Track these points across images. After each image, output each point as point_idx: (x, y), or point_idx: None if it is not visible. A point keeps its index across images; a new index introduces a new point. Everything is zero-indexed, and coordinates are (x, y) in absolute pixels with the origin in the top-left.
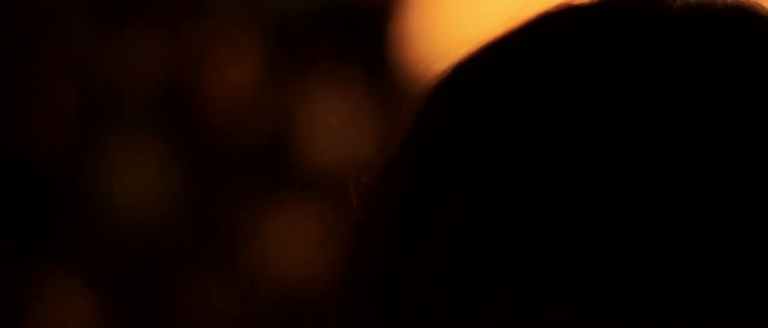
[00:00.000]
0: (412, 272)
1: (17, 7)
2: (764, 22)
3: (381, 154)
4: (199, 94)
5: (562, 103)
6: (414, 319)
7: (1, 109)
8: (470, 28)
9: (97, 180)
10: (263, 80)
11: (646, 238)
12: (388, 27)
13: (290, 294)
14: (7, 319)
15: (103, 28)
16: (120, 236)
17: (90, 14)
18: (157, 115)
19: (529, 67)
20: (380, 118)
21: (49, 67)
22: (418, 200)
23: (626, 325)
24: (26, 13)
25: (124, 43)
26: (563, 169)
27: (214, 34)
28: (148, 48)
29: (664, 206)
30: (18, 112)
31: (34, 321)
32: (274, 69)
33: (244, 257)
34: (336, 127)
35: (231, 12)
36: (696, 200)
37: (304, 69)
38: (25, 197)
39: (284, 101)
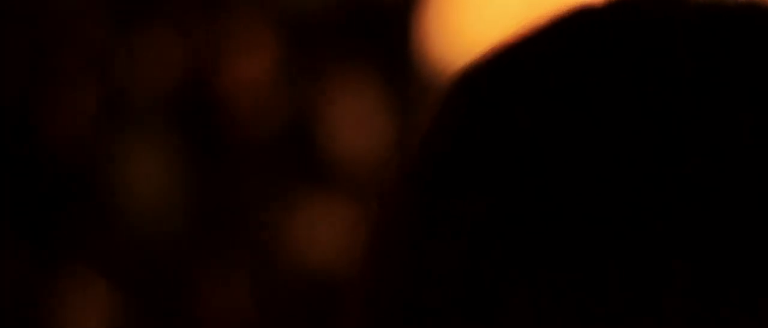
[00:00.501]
0: (433, 271)
1: (36, 5)
2: None
3: (400, 152)
4: (218, 90)
5: (581, 107)
6: (435, 318)
7: (19, 108)
8: (488, 23)
9: (115, 177)
10: (281, 77)
11: (675, 245)
12: (407, 22)
13: (310, 291)
14: (26, 317)
15: (122, 25)
16: (139, 233)
17: (108, 12)
18: (175, 112)
19: (549, 70)
20: (399, 113)
21: (67, 66)
22: (438, 199)
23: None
24: (44, 11)
25: (142, 41)
26: (586, 173)
27: (233, 31)
28: (167, 45)
29: (691, 210)
30: (37, 111)
31: (52, 319)
32: (292, 65)
33: (265, 254)
34: (354, 124)
35: (249, 8)
36: (721, 207)
37: (322, 65)
38: (44, 195)
39: (302, 98)
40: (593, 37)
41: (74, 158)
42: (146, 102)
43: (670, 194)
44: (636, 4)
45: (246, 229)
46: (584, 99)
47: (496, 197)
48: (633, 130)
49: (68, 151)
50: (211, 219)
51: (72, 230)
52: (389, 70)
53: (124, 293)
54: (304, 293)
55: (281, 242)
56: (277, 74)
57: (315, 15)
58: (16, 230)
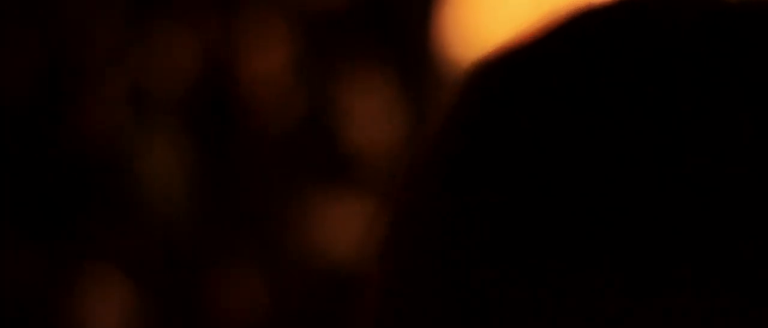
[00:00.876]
0: (448, 267)
1: (54, 4)
2: None
3: (414, 147)
4: (235, 86)
5: (590, 106)
6: (452, 315)
7: (35, 108)
8: (502, 19)
9: (133, 173)
10: (297, 72)
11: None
12: (422, 17)
13: (326, 286)
14: (44, 314)
15: (139, 22)
16: (156, 230)
17: (125, 8)
18: (192, 109)
19: (560, 68)
20: (414, 108)
21: (84, 64)
22: (452, 196)
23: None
24: (63, 10)
25: (159, 38)
26: (592, 172)
27: (249, 26)
28: (183, 41)
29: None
30: (55, 110)
31: (71, 316)
32: (308, 61)
33: (281, 250)
34: (370, 119)
35: (265, 3)
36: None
37: (338, 61)
38: (63, 192)
39: (318, 93)
40: (601, 37)
41: (93, 156)
42: (163, 99)
43: (672, 194)
44: (644, 3)
45: (263, 225)
46: (593, 98)
47: (508, 194)
48: (639, 131)
49: (87, 149)
50: (227, 215)
51: (90, 227)
52: (404, 66)
53: (141, 290)
54: (320, 288)
55: (298, 238)
56: (293, 70)
57: (331, 10)
58: (34, 227)
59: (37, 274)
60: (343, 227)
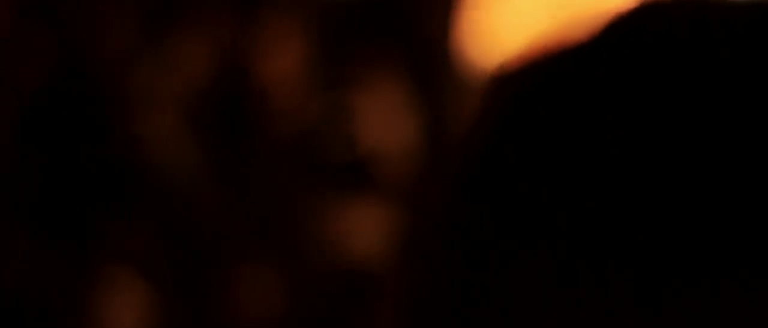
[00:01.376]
0: (475, 269)
1: (69, 5)
2: None
3: (433, 148)
4: (250, 86)
5: (617, 111)
6: (475, 317)
7: (54, 106)
8: (519, 19)
9: (149, 174)
10: (312, 72)
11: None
12: (438, 17)
13: (344, 287)
14: (63, 315)
15: (154, 22)
16: (173, 228)
17: (140, 8)
18: (208, 109)
19: (590, 74)
20: (429, 108)
21: (99, 63)
22: (481, 199)
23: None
24: (77, 11)
25: (174, 37)
26: (621, 175)
27: (264, 26)
28: (198, 41)
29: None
30: (72, 109)
31: (86, 314)
32: (323, 61)
33: (298, 251)
34: (385, 119)
35: (281, 3)
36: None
37: (353, 61)
38: (78, 191)
39: (334, 94)
40: (626, 44)
41: (110, 157)
42: (179, 101)
43: (702, 200)
44: (666, 7)
45: (279, 226)
46: (620, 103)
47: (531, 200)
48: (668, 138)
49: (104, 149)
50: (243, 217)
51: (107, 227)
52: (420, 68)
53: (158, 291)
54: (336, 289)
55: (314, 239)
56: (308, 72)
57: (346, 12)
58: (50, 227)
59: (54, 273)
60: (359, 228)
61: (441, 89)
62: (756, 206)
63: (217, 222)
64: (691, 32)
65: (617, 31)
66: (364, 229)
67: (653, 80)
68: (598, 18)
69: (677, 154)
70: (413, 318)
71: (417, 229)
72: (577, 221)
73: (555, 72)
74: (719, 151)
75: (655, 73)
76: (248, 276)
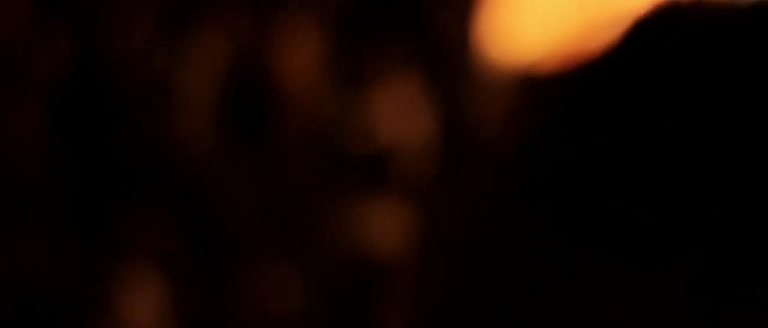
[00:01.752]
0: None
1: (85, 3)
2: None
3: (454, 142)
4: (267, 81)
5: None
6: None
7: (73, 101)
8: (531, 13)
9: (167, 167)
10: (328, 67)
11: None
12: (456, 11)
13: (362, 280)
14: (82, 308)
15: (169, 19)
16: (191, 224)
17: (155, 5)
18: (225, 104)
19: (625, 75)
20: (445, 103)
21: (112, 60)
22: (522, 196)
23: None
24: (96, 5)
25: (189, 34)
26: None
27: (279, 22)
28: (213, 37)
29: None
30: (90, 105)
31: (105, 309)
32: (338, 56)
33: (316, 245)
34: (401, 113)
35: None
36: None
37: (367, 56)
38: (97, 186)
39: (350, 88)
40: (652, 47)
41: (128, 152)
42: (196, 96)
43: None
44: (685, 9)
45: (297, 221)
46: (658, 107)
47: (580, 198)
48: (714, 139)
49: (122, 145)
50: (262, 213)
51: (125, 223)
52: (436, 61)
53: (177, 287)
54: (354, 284)
55: (331, 234)
56: (324, 67)
57: (361, 7)
58: (70, 221)
59: (74, 267)
60: (376, 222)
61: (457, 84)
62: None
63: (234, 217)
64: (712, 34)
65: (642, 33)
66: (381, 223)
67: (687, 82)
68: (620, 20)
69: (727, 157)
70: (433, 317)
71: (440, 230)
72: (616, 224)
73: (587, 78)
74: (759, 150)
75: (687, 74)
76: (265, 271)
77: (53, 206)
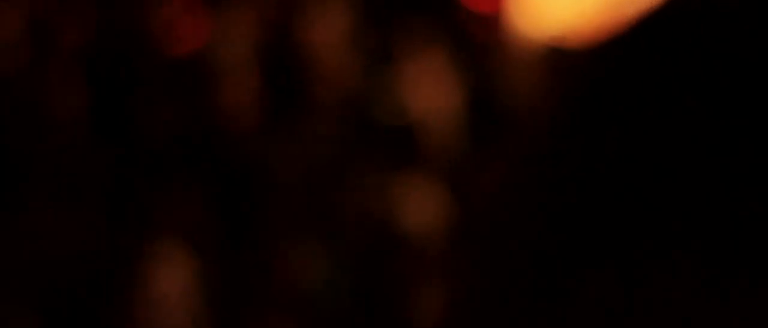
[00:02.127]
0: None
1: None
2: None
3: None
4: (298, 53)
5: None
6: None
7: (102, 79)
8: None
9: (196, 147)
10: (355, 41)
11: None
12: None
13: (389, 253)
14: (111, 284)
15: None
16: (219, 201)
17: None
18: (258, 77)
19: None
20: (469, 76)
21: (141, 32)
22: (555, 177)
23: None
24: None
25: (217, 8)
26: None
27: None
28: (242, 12)
29: None
30: (120, 84)
31: (137, 286)
32: (369, 26)
33: (344, 220)
34: (428, 87)
35: None
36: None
37: (399, 26)
38: (126, 164)
39: (374, 62)
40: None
41: (157, 129)
42: (228, 71)
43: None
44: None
45: (328, 195)
46: (684, 96)
47: (617, 183)
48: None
49: (151, 122)
50: (293, 187)
51: (154, 199)
52: (465, 34)
53: (205, 264)
54: (381, 258)
55: (360, 210)
56: (355, 39)
57: None
58: (98, 200)
59: (107, 242)
60: (406, 195)
61: (486, 58)
62: None
63: (265, 192)
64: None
65: (675, 5)
66: (411, 198)
67: (721, 56)
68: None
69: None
70: (464, 295)
71: (470, 208)
72: (648, 214)
73: (617, 51)
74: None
75: (722, 50)
76: (295, 245)
77: (88, 183)
